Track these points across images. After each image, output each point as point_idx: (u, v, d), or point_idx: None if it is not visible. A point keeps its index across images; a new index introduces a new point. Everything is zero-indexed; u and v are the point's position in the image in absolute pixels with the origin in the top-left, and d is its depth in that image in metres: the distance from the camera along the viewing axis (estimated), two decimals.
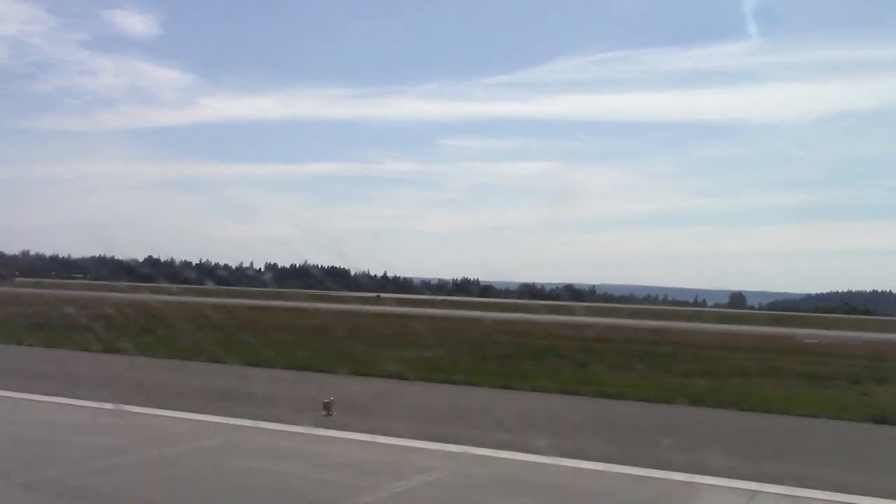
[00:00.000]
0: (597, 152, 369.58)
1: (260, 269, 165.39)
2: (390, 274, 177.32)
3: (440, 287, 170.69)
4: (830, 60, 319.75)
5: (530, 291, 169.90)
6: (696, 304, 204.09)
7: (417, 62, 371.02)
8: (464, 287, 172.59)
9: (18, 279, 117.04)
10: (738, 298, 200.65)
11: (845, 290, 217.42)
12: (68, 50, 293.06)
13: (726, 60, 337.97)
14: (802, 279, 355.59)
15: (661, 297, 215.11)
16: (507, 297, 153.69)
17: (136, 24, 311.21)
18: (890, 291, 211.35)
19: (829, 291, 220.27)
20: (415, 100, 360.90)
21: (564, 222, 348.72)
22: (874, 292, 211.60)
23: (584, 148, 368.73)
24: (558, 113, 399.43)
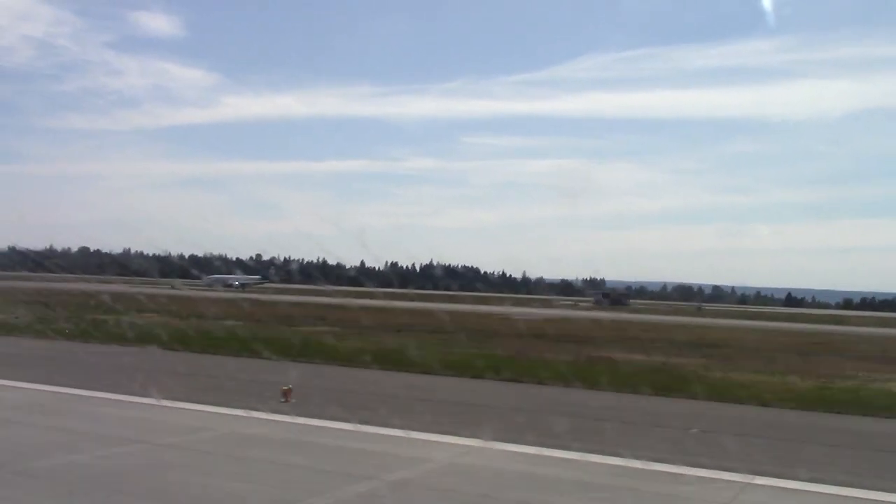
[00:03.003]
0: (619, 149, 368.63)
1: (378, 268, 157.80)
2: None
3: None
4: (856, 57, 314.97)
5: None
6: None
7: (440, 60, 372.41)
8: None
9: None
10: None
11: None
12: (94, 51, 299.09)
13: (751, 57, 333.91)
14: (829, 276, 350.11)
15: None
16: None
17: (161, 24, 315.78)
18: None
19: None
20: (437, 97, 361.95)
21: (586, 219, 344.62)
22: None
23: (606, 145, 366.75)
24: (581, 110, 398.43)
